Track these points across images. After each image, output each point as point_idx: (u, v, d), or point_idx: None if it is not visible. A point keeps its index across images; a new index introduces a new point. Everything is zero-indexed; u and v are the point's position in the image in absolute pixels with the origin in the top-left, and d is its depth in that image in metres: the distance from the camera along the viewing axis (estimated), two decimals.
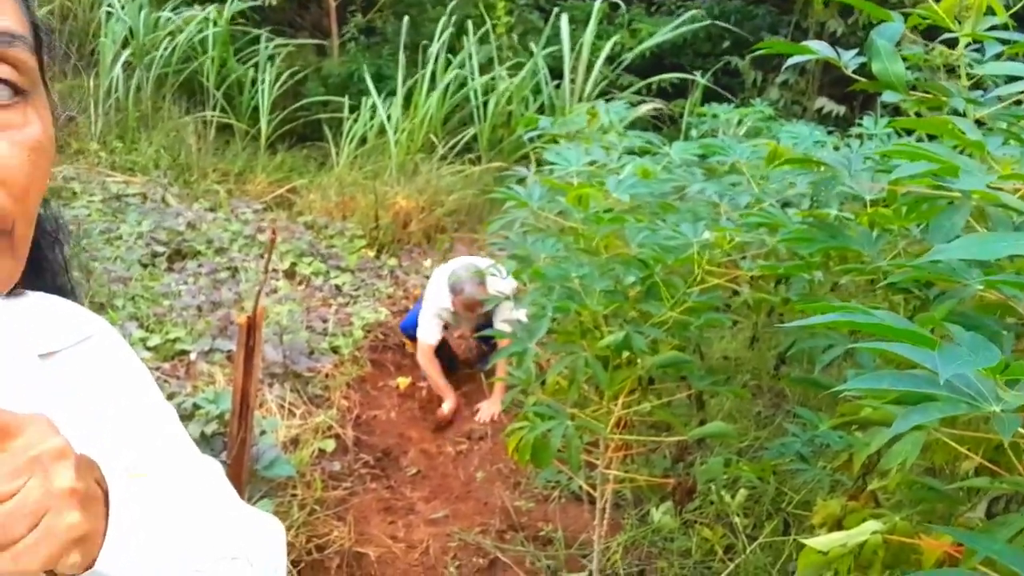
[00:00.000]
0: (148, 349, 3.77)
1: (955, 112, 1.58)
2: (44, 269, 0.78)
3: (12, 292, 0.73)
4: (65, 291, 0.81)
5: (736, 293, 2.79)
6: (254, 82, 7.30)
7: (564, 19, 7.42)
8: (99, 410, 0.74)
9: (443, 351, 4.60)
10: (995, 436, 1.66)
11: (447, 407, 4.17)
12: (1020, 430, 1.54)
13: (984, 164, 1.15)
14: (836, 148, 3.10)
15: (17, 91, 0.59)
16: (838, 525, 2.04)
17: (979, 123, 1.52)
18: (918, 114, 1.67)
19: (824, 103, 7.56)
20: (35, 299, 0.76)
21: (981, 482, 1.59)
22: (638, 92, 7.51)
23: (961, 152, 1.33)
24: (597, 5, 7.54)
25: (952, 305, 1.25)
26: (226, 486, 0.82)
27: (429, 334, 4.22)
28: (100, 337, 0.79)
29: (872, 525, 1.71)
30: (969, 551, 1.26)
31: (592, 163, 2.81)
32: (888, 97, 1.43)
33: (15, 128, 0.59)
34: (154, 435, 0.79)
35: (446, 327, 4.30)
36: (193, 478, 0.79)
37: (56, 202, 0.80)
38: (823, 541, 1.69)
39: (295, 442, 3.55)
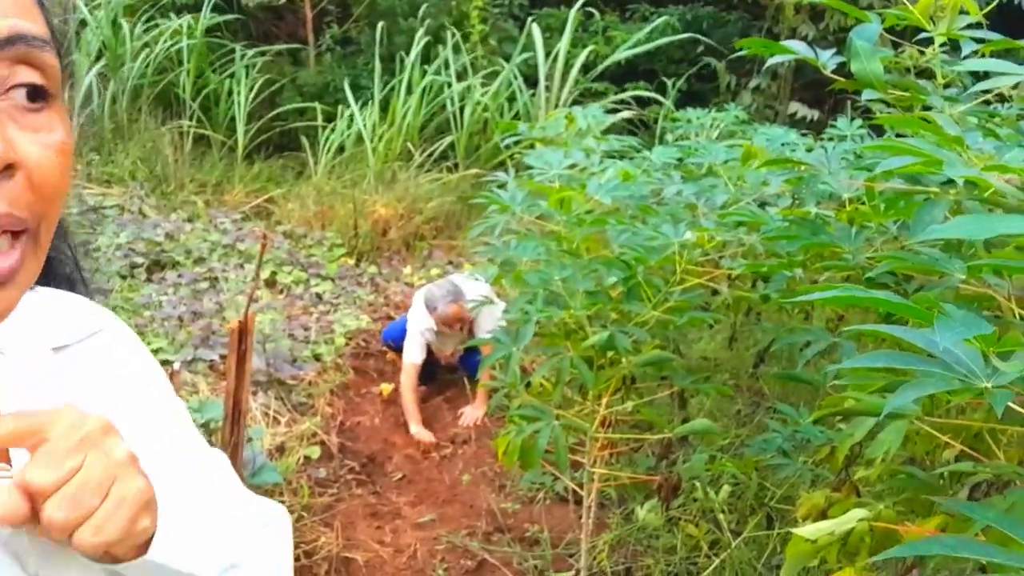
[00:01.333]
0: None
1: (928, 111, 1.63)
2: (54, 262, 0.79)
3: None
4: (75, 284, 0.82)
5: (716, 293, 2.84)
6: (230, 93, 7.29)
7: (536, 29, 7.49)
8: (111, 403, 0.74)
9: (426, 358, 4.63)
10: (975, 423, 1.71)
11: (413, 429, 4.16)
12: (999, 421, 1.59)
13: (963, 158, 1.19)
14: (809, 150, 3.16)
15: (44, 95, 0.60)
16: (823, 516, 2.07)
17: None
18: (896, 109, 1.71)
19: (797, 108, 7.67)
20: (46, 293, 0.77)
21: (964, 466, 1.63)
22: (613, 99, 7.58)
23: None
24: (572, 13, 7.61)
25: (937, 296, 1.29)
26: (233, 479, 0.84)
27: (412, 354, 4.22)
28: (110, 331, 0.80)
29: (859, 513, 1.74)
30: (962, 527, 1.29)
31: (572, 167, 2.85)
32: (868, 95, 1.47)
33: (44, 131, 0.59)
34: (164, 428, 0.80)
35: (430, 348, 4.30)
36: (201, 473, 0.80)
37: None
38: (811, 529, 1.72)
39: (280, 449, 3.56)
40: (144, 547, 0.60)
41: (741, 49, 1.82)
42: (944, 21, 1.50)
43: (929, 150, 1.01)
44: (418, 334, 4.21)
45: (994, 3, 1.51)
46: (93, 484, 0.55)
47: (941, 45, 1.65)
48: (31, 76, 0.58)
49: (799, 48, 1.70)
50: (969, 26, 1.53)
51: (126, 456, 0.57)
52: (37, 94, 0.59)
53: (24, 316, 0.72)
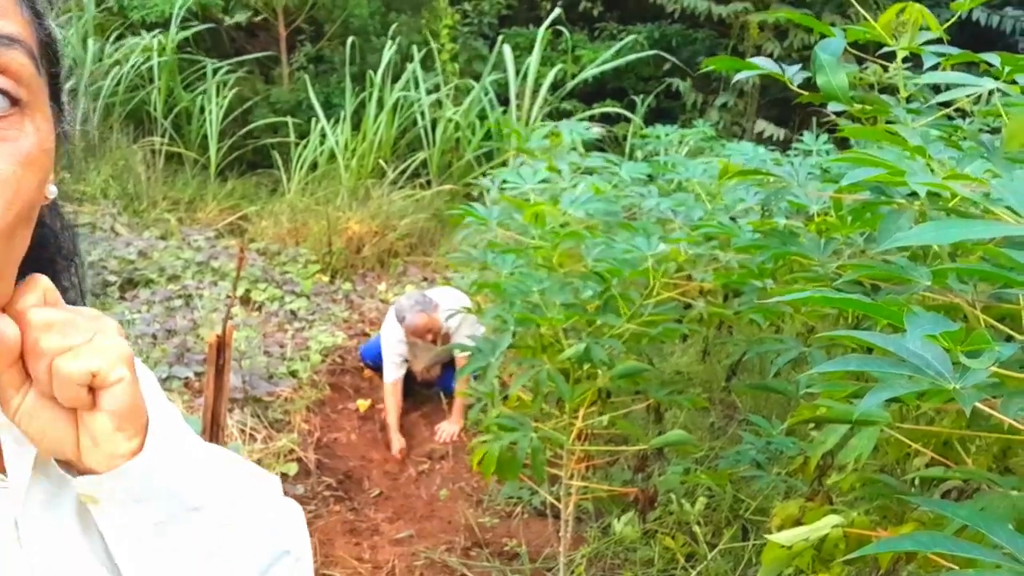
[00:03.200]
0: None
1: (891, 124, 1.68)
2: (63, 279, 0.76)
3: None
4: (75, 303, 0.79)
5: (688, 307, 2.88)
6: (202, 110, 7.28)
7: (507, 48, 7.56)
8: None
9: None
10: (944, 430, 1.75)
11: (393, 448, 4.17)
12: (967, 428, 1.63)
13: (927, 169, 1.24)
14: (778, 164, 3.22)
15: (13, 101, 0.57)
16: (797, 526, 2.10)
17: None
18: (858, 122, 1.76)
19: (764, 126, 7.78)
20: None
21: (936, 472, 1.67)
22: (581, 117, 7.65)
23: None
24: (541, 32, 7.69)
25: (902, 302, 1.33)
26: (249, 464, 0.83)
27: (388, 373, 4.24)
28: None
29: (833, 519, 1.77)
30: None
31: (543, 181, 2.89)
32: (833, 107, 1.52)
33: (8, 141, 0.57)
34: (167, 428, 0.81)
35: (407, 362, 4.32)
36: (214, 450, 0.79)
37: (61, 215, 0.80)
38: (786, 536, 1.75)
39: (258, 466, 3.55)
40: (131, 452, 0.61)
41: (707, 66, 1.87)
42: (906, 36, 1.55)
43: (893, 161, 1.05)
44: (393, 352, 4.22)
45: (953, 18, 1.57)
46: (78, 325, 0.58)
47: (904, 61, 1.71)
48: None
49: (766, 64, 1.75)
50: (930, 41, 1.58)
51: (113, 324, 0.61)
52: (6, 101, 0.57)
53: None
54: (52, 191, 0.66)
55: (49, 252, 0.73)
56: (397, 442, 4.15)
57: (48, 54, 0.64)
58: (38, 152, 0.58)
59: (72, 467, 0.62)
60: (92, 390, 0.58)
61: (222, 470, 0.72)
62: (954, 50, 1.56)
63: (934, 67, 1.62)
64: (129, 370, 0.59)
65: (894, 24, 1.70)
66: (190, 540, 0.64)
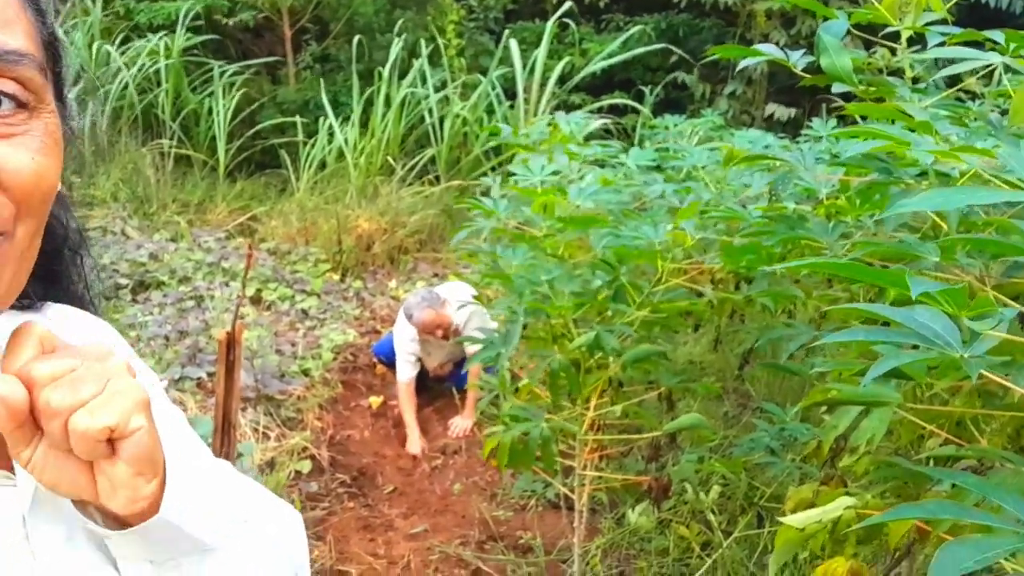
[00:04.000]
0: None
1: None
2: (58, 277, 0.79)
3: (31, 305, 0.74)
4: (82, 302, 0.81)
5: (700, 295, 2.87)
6: (210, 112, 7.30)
7: (513, 43, 7.55)
8: None
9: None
10: (957, 410, 1.74)
11: (412, 448, 4.17)
12: (980, 407, 1.61)
13: (933, 142, 1.22)
14: (787, 149, 3.20)
15: (21, 105, 0.61)
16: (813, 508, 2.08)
17: None
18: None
19: (774, 109, 7.75)
20: (53, 312, 0.77)
21: (948, 451, 1.65)
22: (590, 109, 7.64)
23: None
24: (548, 26, 7.67)
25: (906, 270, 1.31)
26: (242, 479, 0.84)
27: (402, 373, 4.24)
28: (116, 348, 0.79)
29: (846, 500, 1.76)
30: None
31: (555, 173, 2.88)
32: (837, 88, 1.50)
33: (22, 135, 0.60)
34: (172, 441, 0.81)
35: (420, 360, 4.32)
36: (213, 470, 0.81)
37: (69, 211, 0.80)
38: (800, 518, 1.74)
39: (271, 465, 3.56)
40: (149, 507, 0.61)
41: (713, 54, 1.85)
42: (910, 16, 1.54)
43: (898, 134, 1.04)
44: (405, 351, 4.22)
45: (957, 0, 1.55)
46: (89, 377, 0.57)
47: (909, 43, 1.69)
48: (6, 86, 0.60)
49: (769, 50, 1.74)
50: (934, 22, 1.57)
51: (123, 363, 0.59)
52: (13, 103, 0.60)
53: None
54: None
55: (56, 242, 0.75)
56: (417, 441, 4.15)
57: (52, 53, 0.66)
58: (51, 142, 0.62)
59: (87, 504, 0.62)
60: (110, 440, 0.58)
61: (233, 504, 0.73)
62: (958, 30, 1.54)
63: (939, 45, 1.61)
64: (146, 417, 0.59)
65: (898, 5, 1.69)
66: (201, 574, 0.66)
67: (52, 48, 0.66)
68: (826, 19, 1.64)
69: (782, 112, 7.66)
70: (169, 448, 0.63)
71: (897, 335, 0.84)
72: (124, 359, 0.60)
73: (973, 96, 2.64)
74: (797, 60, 1.79)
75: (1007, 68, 1.39)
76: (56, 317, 0.76)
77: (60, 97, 0.68)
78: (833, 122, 3.61)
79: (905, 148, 1.05)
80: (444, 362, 4.49)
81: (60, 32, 0.67)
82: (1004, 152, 0.80)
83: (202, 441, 0.85)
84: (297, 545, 0.83)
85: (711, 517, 3.03)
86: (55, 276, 0.78)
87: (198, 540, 0.65)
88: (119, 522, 0.61)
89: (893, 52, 2.04)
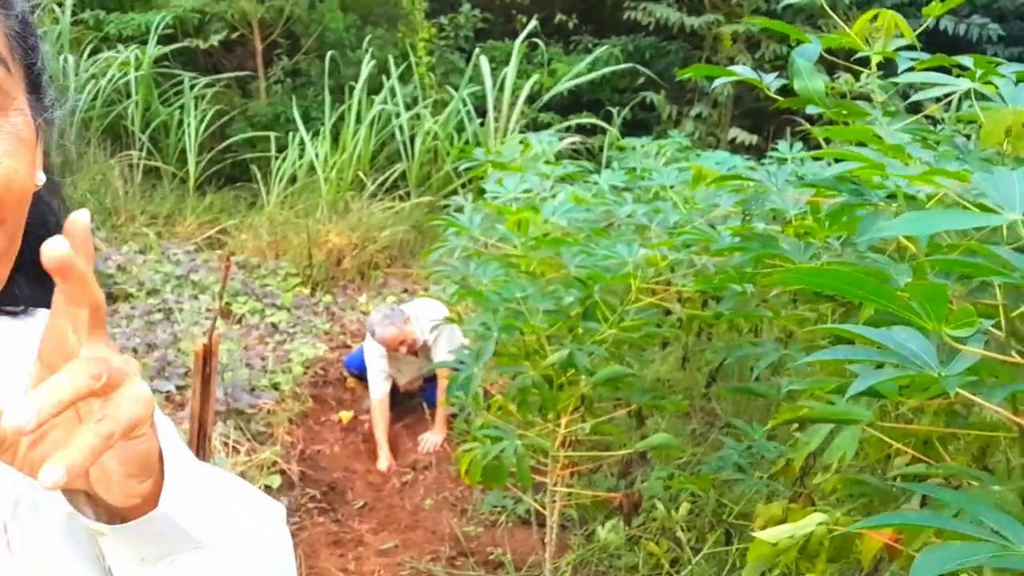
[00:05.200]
0: None
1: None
2: (46, 280, 0.78)
3: (21, 312, 0.73)
4: None
5: (668, 313, 2.91)
6: (180, 124, 7.27)
7: (484, 61, 7.61)
8: None
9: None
10: (924, 428, 1.79)
11: (381, 465, 4.17)
12: (947, 426, 1.66)
13: (906, 165, 1.27)
14: (754, 170, 3.26)
15: None
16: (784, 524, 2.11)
17: None
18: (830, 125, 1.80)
19: (737, 133, 7.86)
20: (42, 317, 0.74)
21: (917, 469, 1.70)
22: (559, 129, 7.71)
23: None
24: (517, 45, 7.74)
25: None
26: (232, 475, 0.83)
27: (375, 389, 4.23)
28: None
29: (818, 517, 1.79)
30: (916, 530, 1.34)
31: (527, 191, 2.91)
32: (810, 111, 1.55)
33: None
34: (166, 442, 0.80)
35: (391, 377, 4.32)
36: (203, 468, 0.79)
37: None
38: (772, 533, 1.77)
39: (241, 479, 3.54)
40: (144, 502, 0.59)
41: (684, 74, 1.90)
42: (879, 42, 1.59)
43: (872, 156, 1.08)
44: (376, 367, 4.23)
45: (925, 24, 1.61)
46: (104, 379, 0.53)
47: (877, 67, 1.75)
48: None
49: (743, 71, 1.79)
50: (903, 47, 1.62)
51: (134, 368, 0.56)
52: None
53: (17, 342, 0.71)
54: (40, 178, 0.67)
55: (48, 230, 0.71)
56: (386, 459, 4.15)
57: (21, 45, 0.64)
58: (18, 143, 0.60)
59: (78, 495, 0.60)
60: None
61: (224, 502, 0.71)
62: (927, 55, 1.60)
63: (907, 71, 1.67)
64: (150, 425, 0.56)
65: (868, 31, 1.74)
66: (191, 572, 0.64)
67: (22, 39, 0.64)
68: (793, 44, 1.69)
69: (745, 137, 7.78)
70: (166, 446, 0.62)
71: (876, 354, 0.88)
72: (135, 363, 0.58)
73: (934, 122, 2.72)
74: (771, 82, 1.85)
75: (979, 95, 1.44)
76: (43, 324, 0.76)
77: (37, 90, 0.66)
78: (799, 145, 3.69)
79: (880, 172, 1.09)
80: (414, 378, 4.50)
81: (32, 19, 0.63)
82: (978, 177, 0.84)
83: (184, 445, 0.85)
84: (285, 543, 0.81)
85: (680, 534, 3.07)
86: (48, 278, 0.76)
87: (193, 537, 0.63)
88: (113, 515, 0.60)
89: (856, 77, 2.10)
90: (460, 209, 3.00)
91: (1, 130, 0.59)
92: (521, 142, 3.51)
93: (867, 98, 1.86)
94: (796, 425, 2.17)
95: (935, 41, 7.27)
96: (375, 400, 4.21)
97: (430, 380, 4.51)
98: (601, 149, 7.34)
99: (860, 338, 0.88)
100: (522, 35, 7.88)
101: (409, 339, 4.14)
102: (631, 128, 7.90)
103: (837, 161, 1.41)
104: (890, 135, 1.24)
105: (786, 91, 1.71)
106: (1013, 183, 0.77)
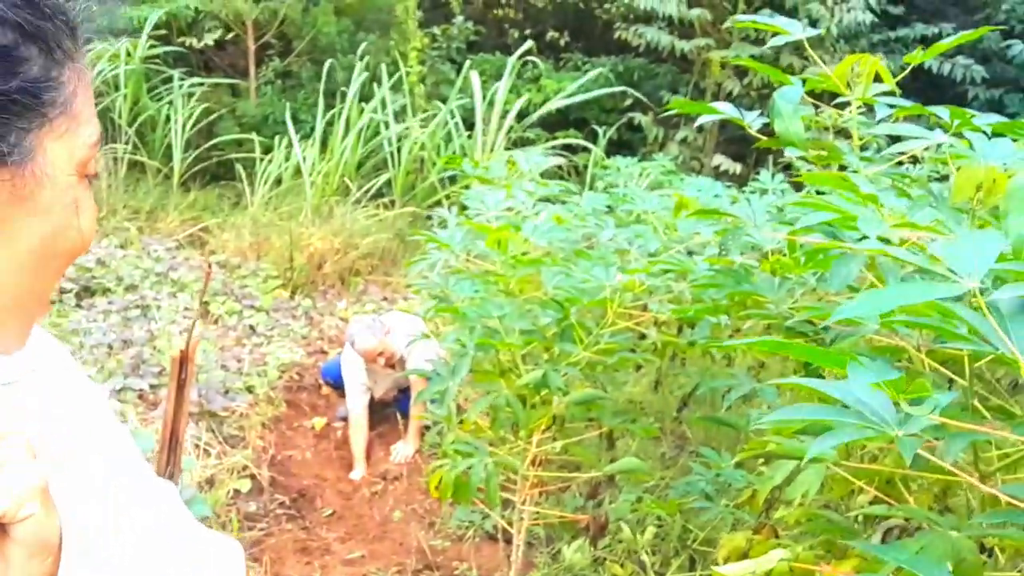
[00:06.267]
0: None
1: (844, 169, 1.77)
2: None
3: None
4: None
5: (643, 337, 2.94)
6: (168, 120, 7.26)
7: (475, 75, 7.65)
8: (64, 435, 0.74)
9: None
10: (887, 468, 1.82)
11: (355, 475, 4.18)
12: (909, 467, 1.70)
13: (878, 215, 1.31)
14: (734, 201, 3.30)
15: None
16: (743, 558, 2.14)
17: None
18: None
19: (721, 161, 7.94)
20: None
21: (879, 510, 1.73)
22: (545, 146, 7.76)
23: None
24: (512, 61, 7.78)
25: (851, 344, 1.39)
26: (182, 511, 0.84)
27: (354, 402, 4.23)
28: (54, 360, 0.79)
29: (780, 553, 1.81)
30: (876, 568, 1.37)
31: (508, 209, 2.94)
32: (790, 153, 1.59)
33: None
34: (116, 459, 0.79)
35: (369, 389, 4.33)
36: (152, 501, 0.81)
37: None
38: (733, 569, 1.79)
39: (210, 482, 3.54)
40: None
41: (672, 107, 1.94)
42: (860, 87, 1.63)
43: (846, 207, 1.12)
44: (355, 380, 4.24)
45: (907, 71, 1.65)
46: None
47: (861, 108, 1.79)
48: None
49: (726, 109, 1.83)
50: (883, 93, 1.66)
51: (23, 445, 0.59)
52: None
53: None
54: None
55: None
56: (362, 470, 4.16)
57: None
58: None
59: None
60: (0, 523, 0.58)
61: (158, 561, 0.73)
62: (906, 102, 1.65)
63: (887, 118, 1.71)
64: (41, 503, 0.58)
65: (849, 75, 1.79)
66: None
67: None
68: (776, 85, 1.73)
69: (729, 165, 7.85)
70: (110, 515, 0.65)
71: (837, 412, 0.91)
72: (24, 439, 0.59)
73: (915, 160, 2.76)
74: (753, 121, 1.89)
75: (951, 145, 1.49)
76: None
77: None
78: (780, 176, 3.74)
79: (852, 222, 1.13)
80: (388, 389, 4.51)
81: None
82: (940, 244, 0.88)
83: (145, 461, 0.85)
84: None
85: (645, 557, 3.09)
86: None
87: None
88: None
89: (840, 113, 2.15)
90: (443, 222, 3.02)
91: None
92: (508, 160, 3.53)
93: (849, 132, 1.90)
94: (763, 460, 2.20)
95: (920, 80, 7.38)
96: (354, 415, 4.21)
97: (404, 390, 4.52)
98: (586, 167, 7.39)
99: (820, 394, 0.91)
100: (517, 52, 7.93)
101: (388, 352, 4.15)
102: (617, 148, 7.97)
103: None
104: (864, 184, 1.28)
105: (769, 128, 1.75)
106: (970, 248, 0.80)
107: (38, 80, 0.59)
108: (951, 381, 1.51)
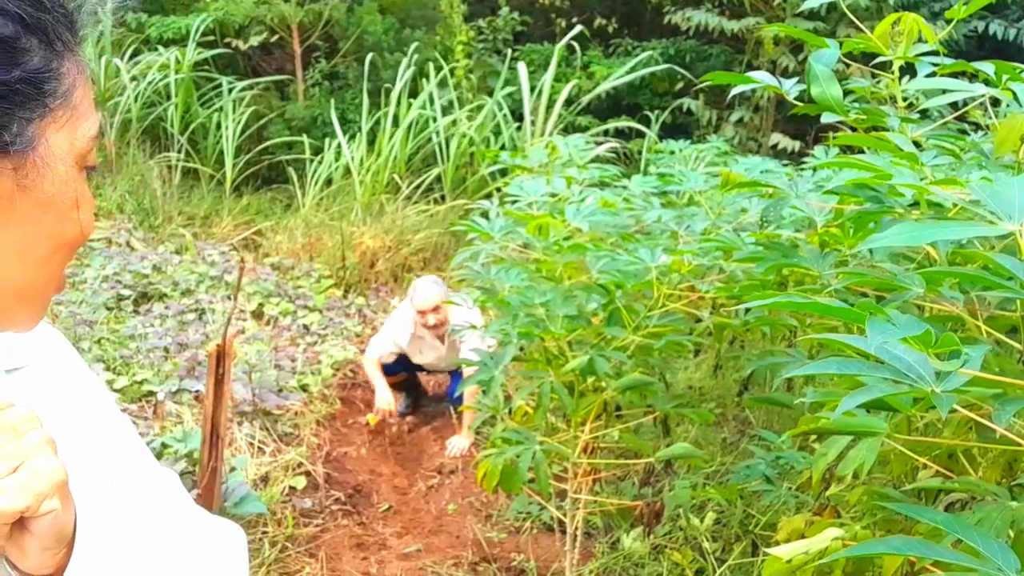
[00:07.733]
0: (115, 391, 3.77)
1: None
2: None
3: None
4: None
5: (698, 320, 2.87)
6: (218, 126, 7.35)
7: (521, 65, 7.60)
8: (66, 423, 0.74)
9: (412, 386, 4.64)
10: (944, 441, 1.73)
11: (380, 404, 4.25)
12: (970, 439, 1.61)
13: (918, 174, 1.23)
14: (789, 177, 3.21)
15: None
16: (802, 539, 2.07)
17: (916, 144, 1.61)
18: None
19: (778, 139, 7.76)
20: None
21: (934, 483, 1.65)
22: (596, 132, 7.68)
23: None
24: (558, 49, 7.71)
25: (894, 308, 1.31)
26: (184, 496, 0.84)
27: (375, 350, 4.33)
28: (56, 349, 0.80)
29: (833, 532, 1.75)
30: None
31: (553, 195, 2.89)
32: (827, 118, 1.51)
33: None
34: (117, 447, 0.80)
35: (400, 354, 4.35)
36: (153, 489, 0.81)
37: None
38: (786, 549, 1.73)
39: (265, 479, 3.55)
40: (58, 570, 0.61)
41: (708, 80, 1.86)
42: (902, 46, 1.54)
43: (881, 164, 1.04)
44: (390, 338, 4.30)
45: (948, 28, 1.56)
46: (5, 455, 0.56)
47: (904, 72, 1.70)
48: None
49: (762, 77, 1.75)
50: (925, 53, 1.57)
51: (42, 439, 0.58)
52: None
53: None
54: None
55: None
56: (387, 397, 4.27)
57: None
58: None
59: None
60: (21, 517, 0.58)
61: (158, 553, 0.72)
62: (949, 60, 1.55)
63: (930, 75, 1.62)
64: (60, 499, 0.59)
65: (891, 35, 1.69)
66: None
67: None
68: (812, 50, 1.65)
69: (787, 143, 7.68)
70: (109, 503, 0.65)
71: (868, 367, 0.84)
72: (43, 434, 0.59)
73: (977, 127, 2.64)
74: (790, 88, 1.81)
75: (995, 101, 1.39)
76: None
77: None
78: (835, 151, 3.62)
79: (887, 179, 1.05)
80: (433, 363, 4.48)
81: (10, 31, 0.59)
82: (976, 186, 0.80)
83: (149, 452, 0.86)
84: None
85: (705, 544, 3.01)
86: None
87: None
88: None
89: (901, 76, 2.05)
90: (486, 214, 2.98)
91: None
92: (547, 146, 3.47)
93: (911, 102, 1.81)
94: (815, 437, 2.12)
95: (985, 47, 7.12)
96: (370, 359, 4.33)
97: (456, 376, 4.50)
98: (639, 153, 7.29)
99: (855, 350, 0.84)
100: (565, 39, 7.85)
101: (443, 314, 4.15)
102: (670, 132, 7.84)
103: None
104: (904, 143, 1.20)
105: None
106: (1012, 191, 0.73)
107: (39, 71, 0.61)
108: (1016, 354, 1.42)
